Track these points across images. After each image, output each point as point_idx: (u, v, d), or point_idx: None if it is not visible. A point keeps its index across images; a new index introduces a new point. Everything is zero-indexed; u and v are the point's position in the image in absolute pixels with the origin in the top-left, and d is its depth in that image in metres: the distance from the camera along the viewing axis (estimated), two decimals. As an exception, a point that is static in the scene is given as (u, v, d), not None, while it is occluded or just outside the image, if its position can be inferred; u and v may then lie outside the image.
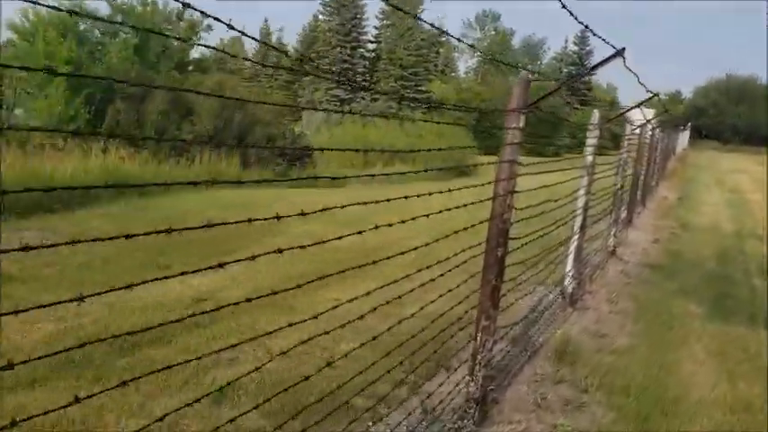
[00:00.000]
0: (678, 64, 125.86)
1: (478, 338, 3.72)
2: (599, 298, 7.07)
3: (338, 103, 55.99)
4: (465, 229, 3.51)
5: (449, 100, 55.36)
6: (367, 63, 61.94)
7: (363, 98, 51.39)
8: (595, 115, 6.27)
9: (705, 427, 4.05)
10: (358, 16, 61.24)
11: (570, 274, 6.49)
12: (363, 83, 51.83)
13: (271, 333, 2.50)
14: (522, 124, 3.53)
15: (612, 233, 9.38)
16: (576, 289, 6.73)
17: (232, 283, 6.81)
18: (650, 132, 14.05)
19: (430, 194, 3.15)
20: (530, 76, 3.58)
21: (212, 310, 2.15)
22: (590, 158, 6.31)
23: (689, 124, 47.02)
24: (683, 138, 42.23)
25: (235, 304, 2.27)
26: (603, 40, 3.85)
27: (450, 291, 3.88)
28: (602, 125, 6.29)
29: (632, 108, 7.06)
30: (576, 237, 6.44)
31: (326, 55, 60.04)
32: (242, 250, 9.44)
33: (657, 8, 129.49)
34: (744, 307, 7.30)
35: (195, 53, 26.31)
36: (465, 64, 77.83)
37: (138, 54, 23.49)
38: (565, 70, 65.91)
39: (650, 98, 5.68)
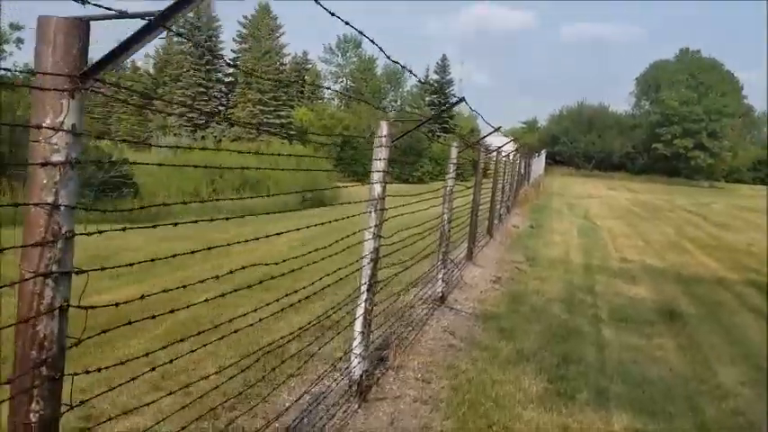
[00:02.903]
0: (536, 96, 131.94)
1: None
2: (406, 376, 5.20)
3: (193, 128, 52.63)
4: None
5: (311, 127, 53.71)
6: (223, 87, 58.98)
7: (219, 123, 48.56)
8: (383, 128, 4.43)
9: None
10: (212, 38, 58.28)
11: (358, 351, 4.57)
12: (219, 107, 48.91)
13: None
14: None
15: (440, 277, 7.66)
16: (370, 369, 4.83)
17: None
18: (493, 158, 12.77)
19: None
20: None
21: None
22: (378, 188, 4.45)
23: (543, 151, 47.98)
24: (539, 164, 42.81)
25: None
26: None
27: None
28: (392, 143, 4.46)
29: (421, 123, 5.31)
30: (364, 298, 4.53)
31: (180, 79, 56.53)
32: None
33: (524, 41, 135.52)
34: (591, 376, 5.72)
35: (-4, 69, 22.40)
36: (328, 91, 76.57)
37: None
38: (427, 98, 66.16)
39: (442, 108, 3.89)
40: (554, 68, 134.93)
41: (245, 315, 3.34)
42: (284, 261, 3.46)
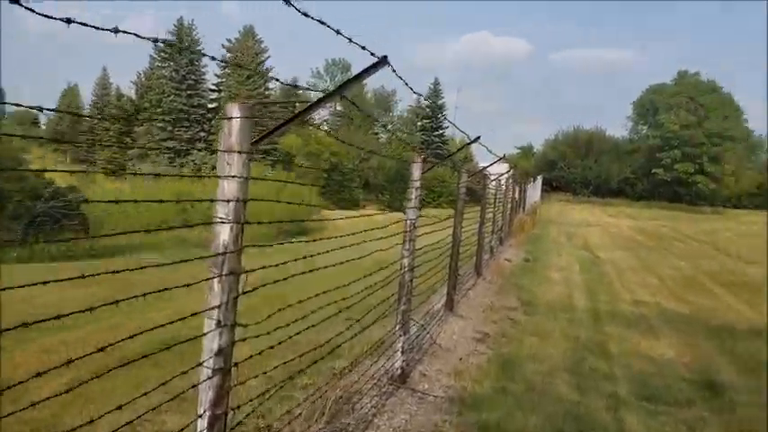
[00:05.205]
0: (532, 122, 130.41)
1: None
2: None
3: (173, 156, 50.49)
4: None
5: (297, 152, 51.82)
6: (205, 112, 56.63)
7: (200, 150, 46.41)
8: (232, 111, 2.32)
9: None
10: (195, 62, 56.26)
11: None
12: (200, 133, 46.84)
13: None
14: None
15: (399, 347, 5.48)
16: None
17: None
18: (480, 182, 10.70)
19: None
20: None
21: None
22: (224, 232, 2.32)
23: (539, 177, 45.98)
24: (535, 190, 40.78)
25: None
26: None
27: None
28: (254, 143, 2.36)
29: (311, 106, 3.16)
30: (208, 404, 2.37)
31: (160, 105, 54.35)
32: None
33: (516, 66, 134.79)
34: None
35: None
36: (317, 115, 74.64)
37: None
38: (419, 123, 64.37)
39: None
40: (549, 94, 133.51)
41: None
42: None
